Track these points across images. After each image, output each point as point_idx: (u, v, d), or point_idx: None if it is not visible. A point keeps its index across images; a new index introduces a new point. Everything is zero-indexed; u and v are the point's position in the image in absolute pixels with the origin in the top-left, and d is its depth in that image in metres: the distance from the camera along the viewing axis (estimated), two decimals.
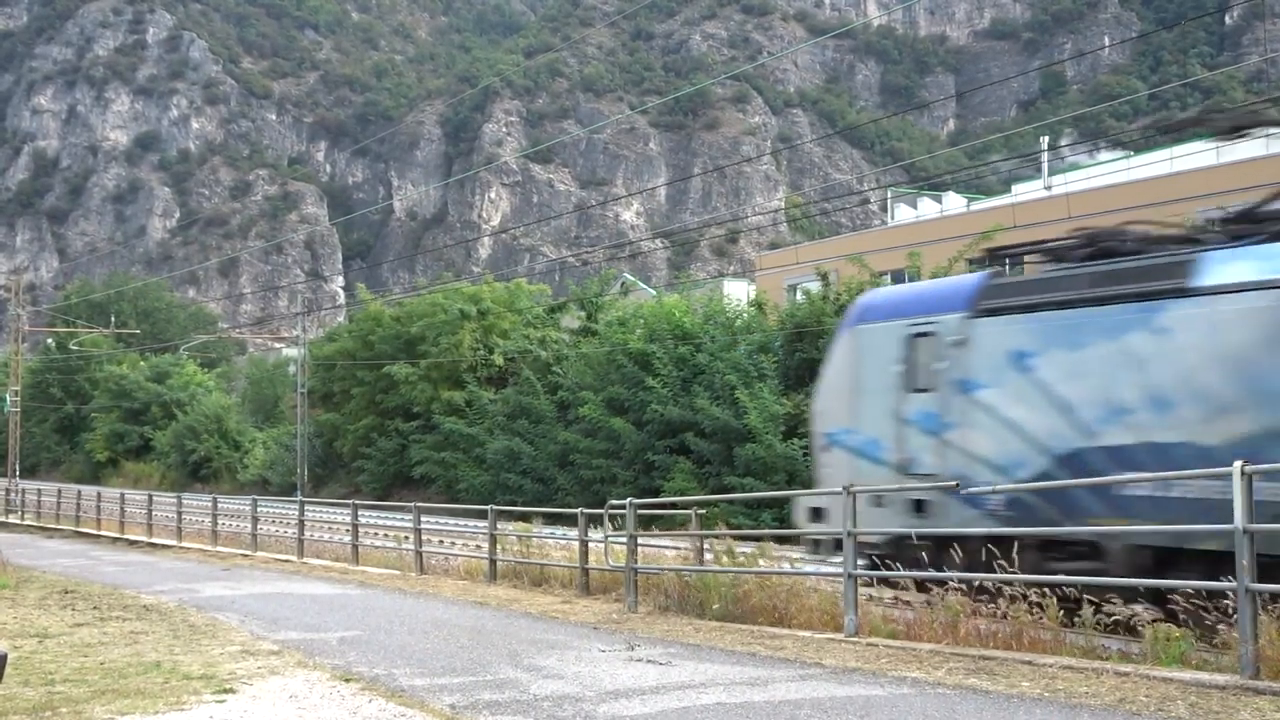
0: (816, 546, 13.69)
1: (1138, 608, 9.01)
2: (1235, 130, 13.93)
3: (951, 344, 13.06)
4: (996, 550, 10.19)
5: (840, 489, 10.54)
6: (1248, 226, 11.71)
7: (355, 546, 19.95)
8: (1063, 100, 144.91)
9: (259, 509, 24.76)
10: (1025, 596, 9.40)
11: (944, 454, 12.93)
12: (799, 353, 28.68)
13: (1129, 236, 12.52)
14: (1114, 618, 9.17)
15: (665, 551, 15.67)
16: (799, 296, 35.80)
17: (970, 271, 18.03)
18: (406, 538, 19.71)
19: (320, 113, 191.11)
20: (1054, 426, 11.93)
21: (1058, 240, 13.06)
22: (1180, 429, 11.04)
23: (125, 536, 27.79)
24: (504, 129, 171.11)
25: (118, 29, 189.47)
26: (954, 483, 10.65)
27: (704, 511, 14.50)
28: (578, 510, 14.85)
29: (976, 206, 42.32)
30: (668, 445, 29.60)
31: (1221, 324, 10.88)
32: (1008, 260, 13.39)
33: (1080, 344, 11.91)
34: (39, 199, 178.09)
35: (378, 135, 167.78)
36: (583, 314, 39.17)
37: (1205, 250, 11.44)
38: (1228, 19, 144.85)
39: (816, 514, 13.92)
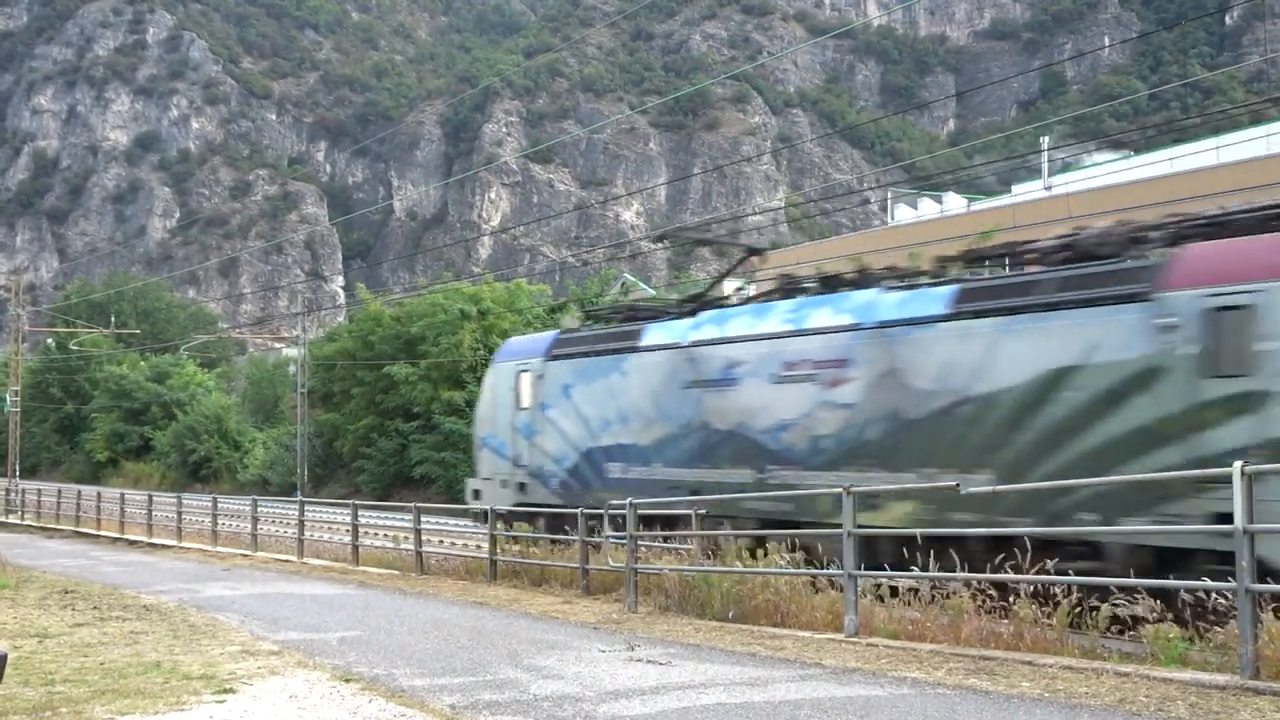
0: (478, 517, 20.30)
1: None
2: None
3: (537, 378, 20.13)
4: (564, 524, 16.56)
5: (841, 489, 10.55)
6: (689, 305, 18.85)
7: (355, 546, 19.95)
8: (1063, 100, 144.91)
9: (259, 509, 24.77)
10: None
11: (533, 452, 20.00)
12: None
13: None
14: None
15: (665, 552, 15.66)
16: None
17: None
18: (406, 538, 19.70)
19: (320, 113, 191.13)
20: (580, 433, 18.96)
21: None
22: (632, 434, 17.99)
23: (125, 536, 27.79)
24: (504, 129, 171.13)
25: (118, 29, 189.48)
26: (954, 484, 10.80)
27: (704, 511, 14.48)
28: (578, 510, 14.85)
29: (976, 206, 42.33)
30: None
31: (647, 369, 17.92)
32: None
33: (592, 379, 18.93)
34: (39, 199, 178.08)
35: (378, 135, 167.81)
36: (583, 314, 39.13)
37: (648, 321, 18.77)
38: (1228, 19, 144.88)
39: (476, 495, 21.17)
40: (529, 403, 20.15)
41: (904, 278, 15.39)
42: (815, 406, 15.17)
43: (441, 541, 21.05)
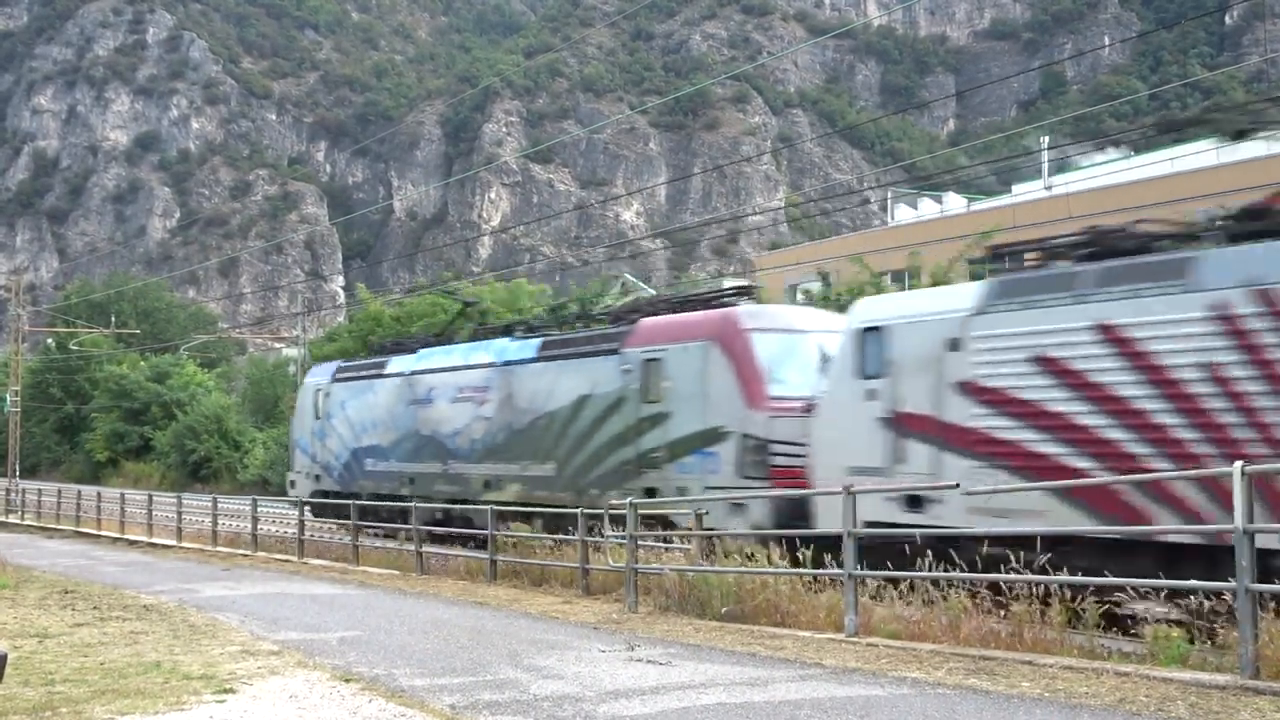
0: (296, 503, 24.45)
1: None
2: (1239, 134, 14.17)
3: (326, 395, 26.63)
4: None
5: (841, 489, 10.58)
6: (415, 343, 25.84)
7: (356, 546, 19.96)
8: (1063, 100, 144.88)
9: (259, 509, 24.76)
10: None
11: (324, 452, 26.46)
12: None
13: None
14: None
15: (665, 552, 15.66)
16: (799, 297, 35.84)
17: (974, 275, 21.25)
18: (409, 538, 19.71)
19: (320, 113, 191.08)
20: (350, 437, 25.43)
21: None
22: (378, 438, 24.31)
23: (125, 536, 27.79)
24: (504, 129, 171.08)
25: (118, 29, 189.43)
26: (955, 484, 10.99)
27: (705, 512, 14.52)
28: (578, 510, 14.86)
29: (977, 206, 42.32)
30: None
31: (388, 390, 24.25)
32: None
33: (358, 397, 25.35)
34: (39, 199, 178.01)
35: (378, 135, 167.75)
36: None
37: (393, 354, 25.51)
38: (1228, 19, 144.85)
39: (292, 484, 27.97)
40: (321, 414, 26.91)
41: (531, 328, 22.44)
42: (472, 419, 21.79)
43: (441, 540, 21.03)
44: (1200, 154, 30.48)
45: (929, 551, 11.22)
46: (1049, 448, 11.97)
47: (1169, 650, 8.38)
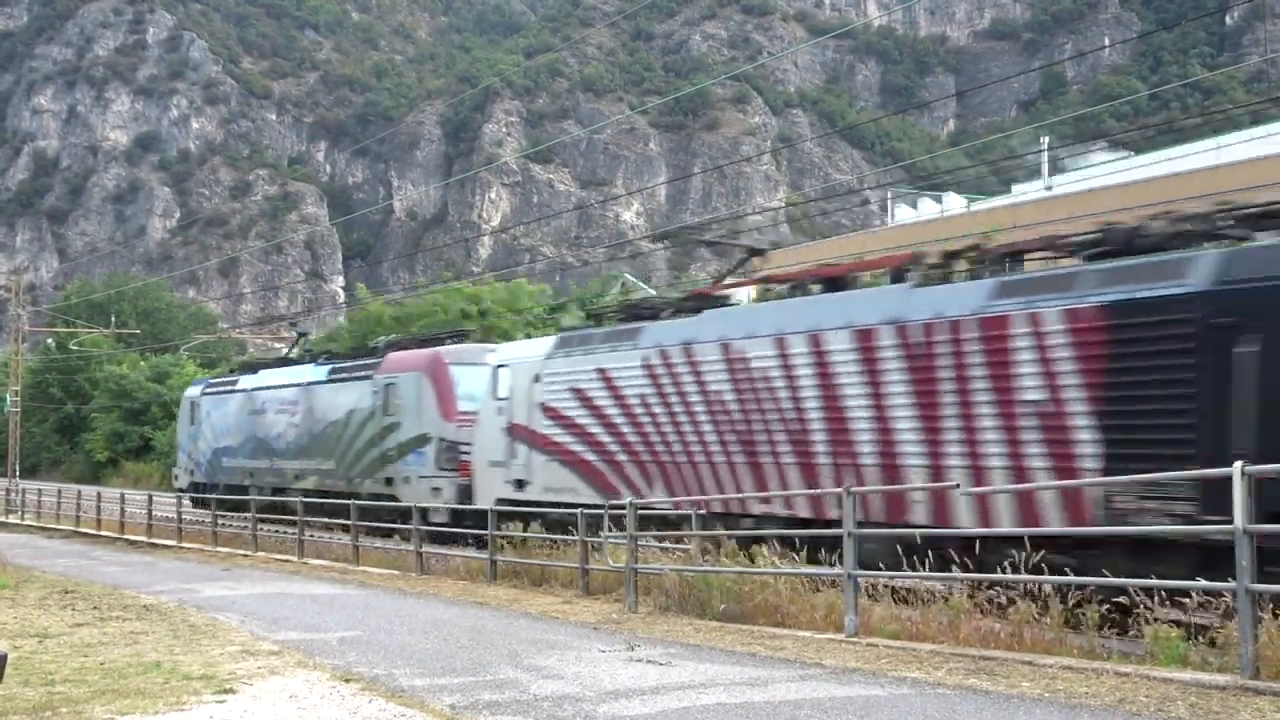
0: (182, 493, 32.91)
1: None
2: None
3: (196, 405, 33.26)
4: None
5: (842, 490, 10.57)
6: (253, 366, 34.42)
7: (356, 546, 19.95)
8: (1063, 100, 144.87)
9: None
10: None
11: (197, 451, 33.26)
12: None
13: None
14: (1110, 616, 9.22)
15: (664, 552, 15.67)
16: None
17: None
18: (406, 538, 19.70)
19: (320, 113, 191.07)
20: (212, 439, 32.06)
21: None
22: (230, 440, 31.06)
23: (125, 536, 27.78)
24: (504, 129, 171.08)
25: (118, 29, 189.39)
26: (955, 484, 11.03)
27: (705, 512, 14.53)
28: (578, 510, 14.86)
29: (977, 206, 42.33)
30: None
31: (238, 402, 31.02)
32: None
33: (218, 408, 31.88)
34: (39, 199, 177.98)
35: (378, 135, 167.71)
36: (583, 314, 39.47)
37: (244, 373, 33.03)
38: (1228, 19, 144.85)
39: (176, 478, 35.45)
40: (194, 421, 34.07)
41: (332, 355, 30.32)
42: (287, 426, 28.74)
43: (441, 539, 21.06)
44: (1200, 154, 30.50)
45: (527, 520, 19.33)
46: (577, 447, 18.40)
47: (1169, 650, 8.38)
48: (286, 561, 20.47)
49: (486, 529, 16.36)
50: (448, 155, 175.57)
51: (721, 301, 18.14)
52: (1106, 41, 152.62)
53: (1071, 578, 9.82)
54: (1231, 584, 7.67)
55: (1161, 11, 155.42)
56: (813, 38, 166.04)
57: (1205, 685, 7.31)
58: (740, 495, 15.27)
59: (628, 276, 52.59)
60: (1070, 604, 9.36)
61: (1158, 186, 29.94)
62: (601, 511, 14.29)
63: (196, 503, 32.02)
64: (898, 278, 14.78)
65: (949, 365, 13.15)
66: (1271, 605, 7.77)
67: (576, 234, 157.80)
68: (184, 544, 24.92)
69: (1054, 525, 11.61)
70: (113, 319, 75.50)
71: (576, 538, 14.54)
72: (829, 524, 13.23)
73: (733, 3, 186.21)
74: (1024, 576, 9.77)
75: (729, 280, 20.82)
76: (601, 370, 18.16)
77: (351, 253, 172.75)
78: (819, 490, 13.71)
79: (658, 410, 17.05)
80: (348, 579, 17.10)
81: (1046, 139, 46.52)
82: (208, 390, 34.22)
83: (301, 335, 38.78)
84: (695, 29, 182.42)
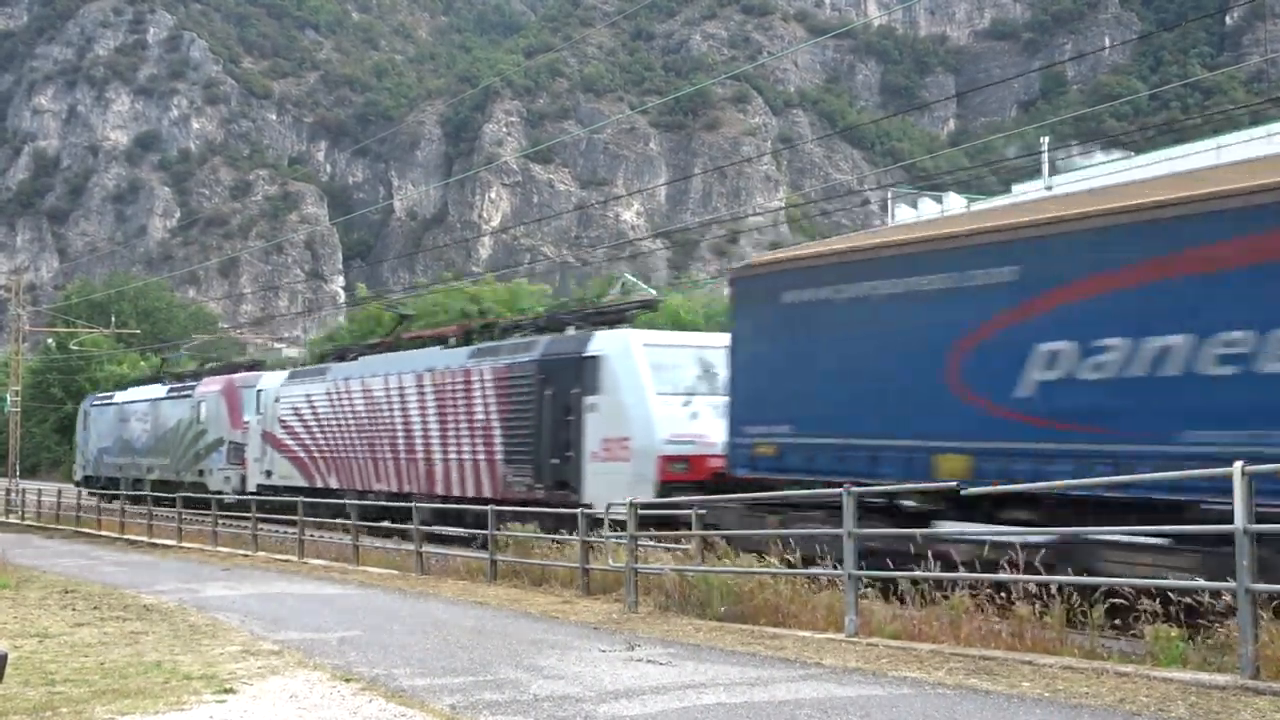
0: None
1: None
2: None
3: (87, 414, 42.92)
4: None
5: (842, 489, 10.57)
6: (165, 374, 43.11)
7: (356, 546, 19.96)
8: (1063, 100, 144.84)
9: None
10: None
11: (89, 450, 42.44)
12: None
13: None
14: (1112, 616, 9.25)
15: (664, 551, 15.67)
16: None
17: None
18: (405, 536, 19.71)
19: (320, 113, 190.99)
20: (96, 441, 41.53)
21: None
22: (107, 442, 40.56)
23: (125, 536, 27.80)
24: (504, 129, 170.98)
25: (118, 29, 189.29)
26: (954, 484, 11.02)
27: (704, 511, 14.53)
28: (578, 510, 14.87)
29: (977, 206, 42.29)
30: None
31: (113, 412, 40.57)
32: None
33: (101, 416, 41.45)
34: (39, 199, 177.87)
35: (378, 135, 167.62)
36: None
37: (120, 390, 43.92)
38: (1228, 19, 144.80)
39: (75, 472, 44.43)
40: (86, 427, 42.54)
41: (178, 376, 38.93)
42: (142, 432, 37.20)
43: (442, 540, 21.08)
44: (1200, 154, 30.47)
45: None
46: (295, 448, 28.27)
47: (1169, 650, 8.38)
48: (287, 561, 20.47)
49: (486, 528, 16.38)
50: (448, 155, 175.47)
51: (370, 351, 28.15)
52: (1106, 41, 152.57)
53: (1071, 578, 9.82)
54: (1232, 584, 7.67)
55: (1161, 11, 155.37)
56: (813, 38, 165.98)
57: (1205, 685, 7.31)
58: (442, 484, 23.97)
59: (628, 276, 52.55)
60: (1073, 603, 9.37)
61: (1158, 186, 29.89)
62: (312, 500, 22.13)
63: (91, 492, 40.23)
64: (442, 342, 24.96)
65: (452, 396, 22.64)
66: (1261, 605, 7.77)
67: (577, 234, 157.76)
68: (184, 544, 24.93)
69: (486, 491, 21.18)
70: (113, 319, 75.49)
71: (576, 537, 14.56)
72: (400, 496, 23.61)
73: (733, 3, 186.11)
74: (1024, 576, 9.76)
75: (374, 340, 32.36)
76: (308, 396, 27.76)
77: (352, 253, 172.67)
78: (819, 492, 13.69)
79: (332, 423, 26.45)
80: (348, 579, 17.10)
81: (1046, 139, 46.47)
82: (94, 403, 43.10)
83: (165, 360, 48.74)
84: (695, 29, 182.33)
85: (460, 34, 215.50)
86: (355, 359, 27.29)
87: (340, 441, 25.92)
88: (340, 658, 9.38)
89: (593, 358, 19.33)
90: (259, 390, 30.01)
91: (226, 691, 7.80)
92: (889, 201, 55.29)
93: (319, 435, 26.85)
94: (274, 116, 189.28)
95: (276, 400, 28.62)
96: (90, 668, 8.87)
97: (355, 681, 8.21)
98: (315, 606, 13.39)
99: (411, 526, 18.20)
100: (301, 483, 27.13)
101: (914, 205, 49.85)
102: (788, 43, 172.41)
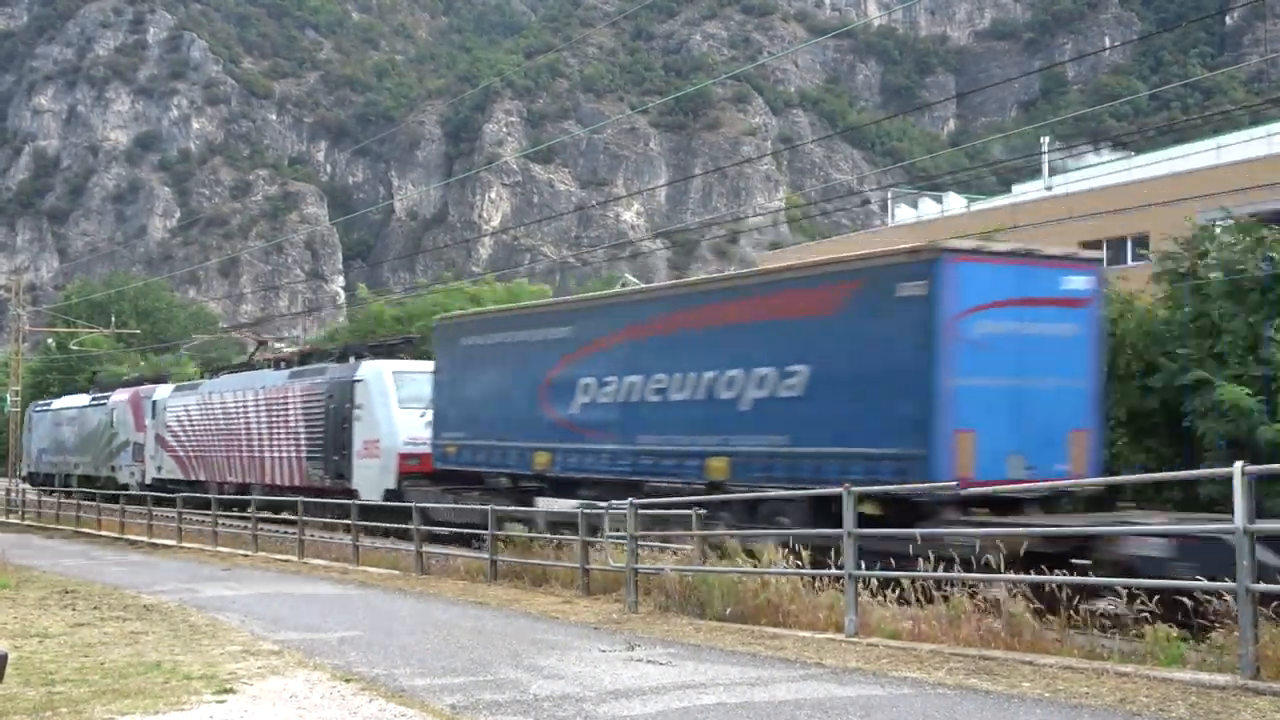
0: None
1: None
2: None
3: (32, 418, 48.59)
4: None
5: (843, 489, 10.57)
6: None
7: (356, 546, 19.95)
8: (1063, 100, 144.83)
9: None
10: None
11: (33, 451, 47.24)
12: None
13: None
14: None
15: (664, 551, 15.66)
16: None
17: None
18: (404, 536, 19.69)
19: (320, 113, 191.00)
20: (38, 442, 46.59)
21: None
22: (47, 444, 45.54)
23: (125, 536, 27.79)
24: (504, 129, 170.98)
25: (118, 29, 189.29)
26: (954, 483, 11.04)
27: (704, 511, 14.52)
28: (578, 510, 14.86)
29: (977, 206, 42.32)
30: None
31: (50, 419, 45.62)
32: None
33: (42, 422, 46.51)
34: (39, 199, 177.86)
35: (378, 135, 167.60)
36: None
37: (54, 400, 50.06)
38: (1228, 19, 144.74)
39: (22, 470, 49.41)
40: (30, 430, 47.73)
41: (102, 387, 43.64)
42: (71, 434, 42.15)
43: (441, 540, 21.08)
44: (1200, 154, 30.49)
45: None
46: (177, 448, 34.08)
47: (1169, 650, 8.38)
48: (287, 561, 20.47)
49: (486, 528, 16.40)
50: (448, 155, 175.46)
51: (232, 370, 35.39)
52: (1107, 42, 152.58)
53: (1072, 578, 9.82)
54: (1232, 584, 7.67)
55: (1161, 11, 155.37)
56: (813, 38, 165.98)
57: (1205, 685, 7.31)
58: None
59: (628, 277, 52.57)
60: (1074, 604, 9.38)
61: (1158, 186, 29.92)
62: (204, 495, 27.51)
63: (35, 487, 45.00)
64: (278, 365, 31.05)
65: (278, 408, 28.31)
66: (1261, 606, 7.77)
67: (577, 234, 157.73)
68: (184, 544, 24.93)
69: (297, 481, 27.03)
70: (113, 319, 75.53)
71: (576, 537, 14.57)
72: (244, 487, 29.30)
73: (733, 3, 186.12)
74: (1025, 577, 9.77)
75: (239, 360, 38.77)
76: (185, 406, 33.37)
77: (352, 253, 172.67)
78: (820, 492, 13.70)
79: (200, 428, 32.41)
80: (348, 579, 17.10)
81: (1046, 139, 46.50)
82: (37, 409, 48.42)
83: (94, 372, 54.37)
84: (695, 29, 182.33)
85: (460, 34, 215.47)
86: (220, 376, 34.11)
87: (205, 443, 32.21)
88: (340, 658, 9.38)
89: (359, 380, 25.38)
90: (154, 400, 35.62)
91: (226, 691, 7.80)
92: (889, 202, 55.30)
93: (192, 438, 33.06)
94: (274, 116, 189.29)
95: (165, 409, 34.51)
96: (90, 668, 8.87)
97: (355, 681, 8.21)
98: (315, 606, 13.39)
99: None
100: (180, 476, 33.16)
101: (914, 205, 49.86)
102: (788, 43, 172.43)
